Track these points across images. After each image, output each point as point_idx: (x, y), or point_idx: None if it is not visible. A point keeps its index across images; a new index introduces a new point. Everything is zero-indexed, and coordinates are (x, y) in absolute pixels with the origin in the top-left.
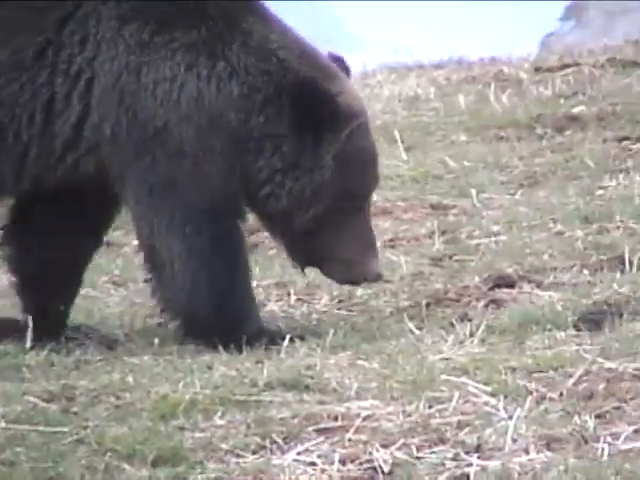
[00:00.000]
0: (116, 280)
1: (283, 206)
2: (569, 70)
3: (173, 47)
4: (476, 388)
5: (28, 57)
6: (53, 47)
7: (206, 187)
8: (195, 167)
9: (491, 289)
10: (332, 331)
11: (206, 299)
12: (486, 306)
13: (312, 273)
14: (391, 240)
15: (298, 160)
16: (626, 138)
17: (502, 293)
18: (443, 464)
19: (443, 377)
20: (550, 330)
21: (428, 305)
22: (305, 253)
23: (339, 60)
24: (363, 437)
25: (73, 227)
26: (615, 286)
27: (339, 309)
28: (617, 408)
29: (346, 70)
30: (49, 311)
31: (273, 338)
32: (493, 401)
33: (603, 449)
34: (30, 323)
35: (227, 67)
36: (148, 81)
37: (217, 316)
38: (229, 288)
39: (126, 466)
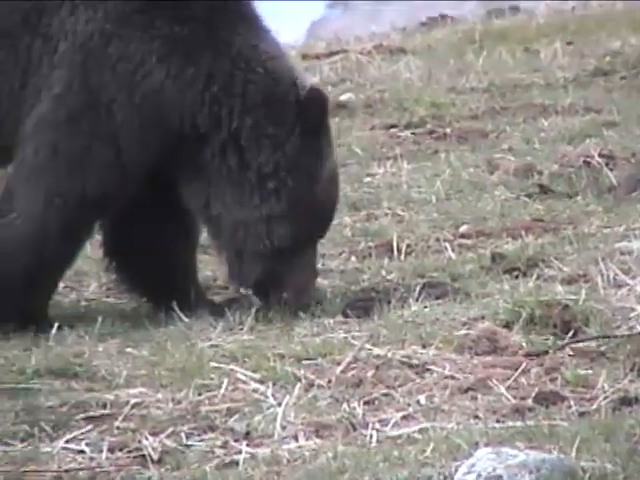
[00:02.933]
0: None
1: (283, 208)
2: (336, 57)
3: (152, 34)
4: (245, 375)
5: (16, 23)
6: (37, 12)
7: (95, 179)
8: (100, 153)
9: None
10: (101, 318)
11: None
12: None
13: (80, 260)
14: None
15: (300, 162)
16: (394, 126)
17: None
18: (212, 451)
19: (212, 364)
20: (319, 317)
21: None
22: (258, 272)
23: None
24: (132, 425)
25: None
26: (383, 273)
27: (108, 297)
28: (386, 395)
29: None
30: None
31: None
32: (262, 388)
33: (372, 435)
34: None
35: (196, 74)
36: (114, 53)
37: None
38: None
39: None
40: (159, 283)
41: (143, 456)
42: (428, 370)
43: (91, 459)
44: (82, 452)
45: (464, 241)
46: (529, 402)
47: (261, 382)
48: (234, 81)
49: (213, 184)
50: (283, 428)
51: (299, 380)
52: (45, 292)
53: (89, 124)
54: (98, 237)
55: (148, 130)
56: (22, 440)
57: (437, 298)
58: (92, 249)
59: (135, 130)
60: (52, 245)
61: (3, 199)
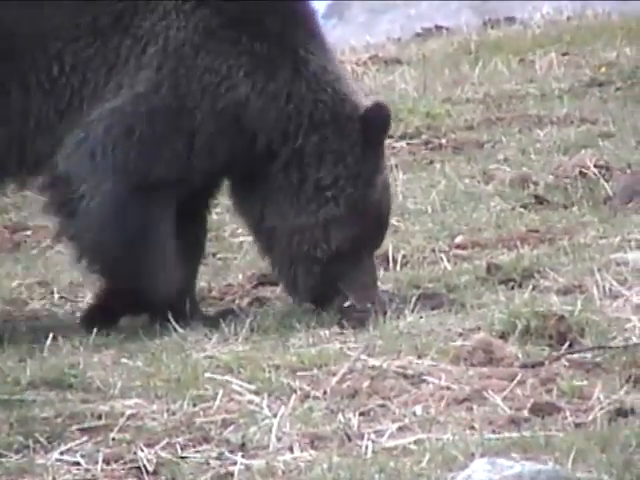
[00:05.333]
0: None
1: (340, 212)
2: None
3: (239, 49)
4: (240, 386)
5: (107, 23)
6: (129, 13)
7: (168, 163)
8: (174, 143)
9: (255, 287)
10: (95, 329)
11: (116, 248)
12: (250, 304)
13: (75, 271)
14: None
15: (360, 171)
16: (389, 136)
17: (266, 291)
18: (208, 463)
19: (207, 375)
20: (314, 328)
21: None
22: (316, 280)
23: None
24: (127, 436)
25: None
26: (379, 284)
27: None
28: (381, 406)
29: None
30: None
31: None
32: (257, 399)
33: (367, 446)
34: None
35: (276, 89)
36: (201, 65)
37: (126, 269)
38: (143, 244)
39: None
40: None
41: (138, 467)
42: (424, 381)
43: (86, 470)
44: (77, 464)
45: (459, 252)
46: (525, 413)
47: (256, 393)
48: (305, 100)
49: (270, 197)
50: (278, 439)
51: (294, 391)
52: (160, 276)
53: (169, 119)
54: None
55: (223, 138)
56: (17, 451)
57: (433, 309)
58: None
59: (211, 135)
60: (135, 220)
61: (54, 184)
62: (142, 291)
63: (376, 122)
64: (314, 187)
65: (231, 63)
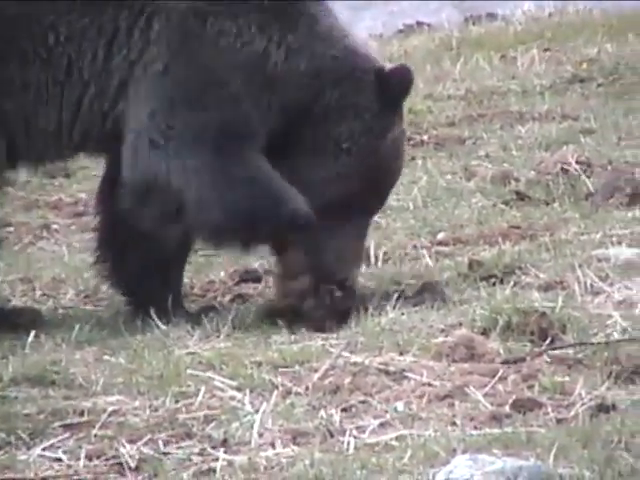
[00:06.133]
0: None
1: (351, 164)
2: None
3: (248, 6)
4: (222, 383)
5: None
6: None
7: (233, 113)
8: (229, 94)
9: (237, 284)
10: (78, 326)
11: (241, 199)
12: (232, 301)
13: (57, 268)
14: None
15: (373, 126)
16: None
17: (248, 288)
18: (190, 459)
19: (189, 372)
20: (296, 324)
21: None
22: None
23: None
24: (109, 432)
25: None
26: (361, 280)
27: (85, 304)
28: (363, 402)
29: None
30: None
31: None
32: (239, 395)
33: (349, 442)
34: None
35: (296, 43)
36: (213, 30)
37: (259, 209)
38: (257, 182)
39: None
40: (146, 283)
41: (120, 464)
42: (405, 377)
43: (68, 467)
44: (59, 460)
45: (441, 248)
46: (506, 409)
47: (238, 389)
48: (325, 56)
49: (296, 154)
50: (260, 435)
51: (276, 387)
52: (279, 192)
53: (201, 88)
54: (76, 245)
55: (253, 89)
56: None
57: (414, 305)
58: (69, 256)
59: (242, 87)
60: (239, 168)
61: (140, 201)
62: (282, 215)
63: (398, 85)
64: (335, 141)
65: (240, 22)
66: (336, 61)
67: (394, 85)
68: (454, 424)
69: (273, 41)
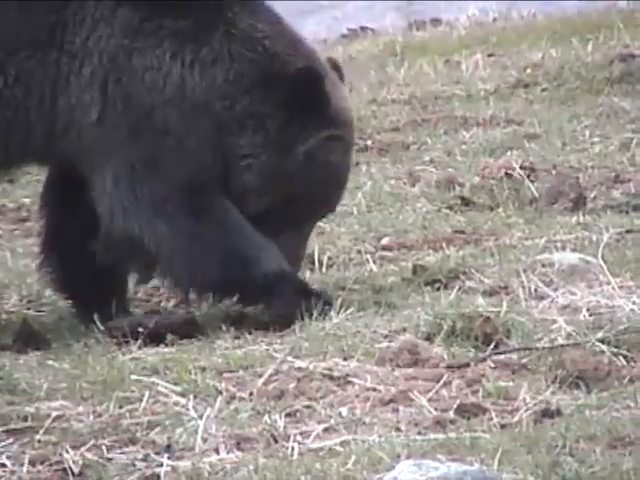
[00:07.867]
0: None
1: (253, 182)
2: None
3: (161, 35)
4: (166, 388)
5: (43, 36)
6: (61, 26)
7: (189, 164)
8: (178, 145)
9: None
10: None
11: (210, 266)
12: (176, 306)
13: (0, 273)
14: None
15: (278, 139)
16: None
17: None
18: (134, 464)
19: (133, 377)
20: (240, 330)
21: None
22: None
23: (336, 67)
24: (53, 438)
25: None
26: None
27: (28, 309)
28: (307, 407)
29: (341, 77)
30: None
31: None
32: (183, 401)
33: (293, 448)
34: None
35: (210, 53)
36: (138, 66)
37: (229, 275)
38: (227, 245)
39: None
40: (90, 288)
41: (64, 469)
42: (349, 382)
43: (12, 472)
44: (3, 465)
45: (385, 253)
46: (450, 414)
47: (182, 395)
48: (241, 59)
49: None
50: (204, 441)
51: (220, 393)
52: (256, 249)
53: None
54: (19, 250)
55: (195, 119)
56: None
57: (358, 310)
58: (13, 261)
59: (186, 125)
60: (209, 228)
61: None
62: (254, 279)
63: (302, 86)
64: (236, 158)
65: (158, 53)
66: (252, 65)
67: (300, 89)
68: (398, 429)
69: (185, 65)
